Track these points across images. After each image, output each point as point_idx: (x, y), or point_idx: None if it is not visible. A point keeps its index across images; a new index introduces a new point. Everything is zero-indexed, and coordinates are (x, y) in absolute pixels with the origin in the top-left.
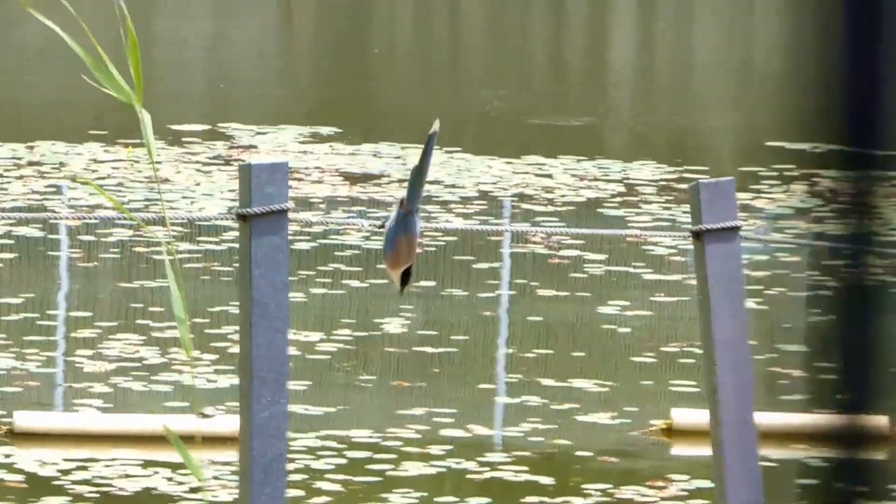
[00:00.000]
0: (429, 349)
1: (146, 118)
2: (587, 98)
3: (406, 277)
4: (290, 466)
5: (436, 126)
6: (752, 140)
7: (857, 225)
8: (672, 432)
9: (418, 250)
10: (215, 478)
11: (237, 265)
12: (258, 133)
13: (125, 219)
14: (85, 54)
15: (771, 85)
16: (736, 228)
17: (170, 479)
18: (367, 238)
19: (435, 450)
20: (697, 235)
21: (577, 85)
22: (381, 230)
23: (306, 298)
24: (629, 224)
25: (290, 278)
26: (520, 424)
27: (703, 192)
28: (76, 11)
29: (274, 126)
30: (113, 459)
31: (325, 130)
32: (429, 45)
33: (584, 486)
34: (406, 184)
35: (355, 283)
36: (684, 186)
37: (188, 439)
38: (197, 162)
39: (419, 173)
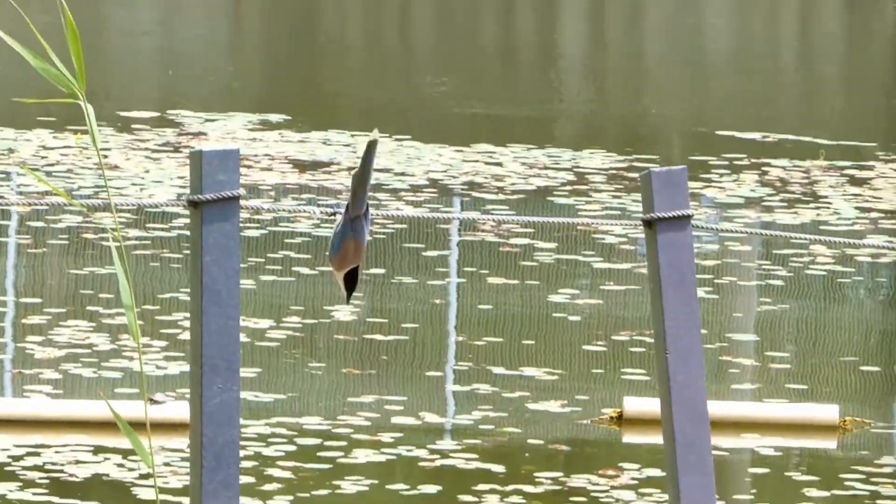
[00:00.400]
0: (378, 337)
1: (89, 109)
2: (537, 86)
3: (352, 283)
4: (241, 453)
5: (375, 134)
6: (701, 129)
7: None
8: (623, 421)
9: (368, 238)
10: (166, 464)
11: (188, 252)
12: (207, 120)
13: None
14: (27, 52)
15: (720, 73)
16: (688, 217)
17: (120, 466)
18: (316, 226)
19: (385, 437)
20: (649, 224)
21: (527, 73)
22: (332, 217)
23: (255, 286)
24: (579, 212)
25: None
26: (470, 412)
27: (655, 181)
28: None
29: (223, 113)
30: (63, 445)
31: (275, 118)
32: (378, 33)
33: (535, 474)
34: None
35: (305, 271)
36: (634, 175)
37: (138, 425)
38: (146, 149)
39: (361, 181)
